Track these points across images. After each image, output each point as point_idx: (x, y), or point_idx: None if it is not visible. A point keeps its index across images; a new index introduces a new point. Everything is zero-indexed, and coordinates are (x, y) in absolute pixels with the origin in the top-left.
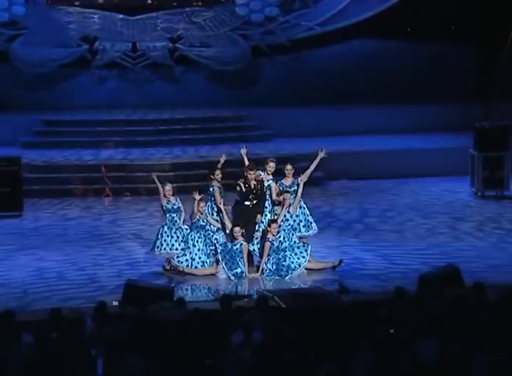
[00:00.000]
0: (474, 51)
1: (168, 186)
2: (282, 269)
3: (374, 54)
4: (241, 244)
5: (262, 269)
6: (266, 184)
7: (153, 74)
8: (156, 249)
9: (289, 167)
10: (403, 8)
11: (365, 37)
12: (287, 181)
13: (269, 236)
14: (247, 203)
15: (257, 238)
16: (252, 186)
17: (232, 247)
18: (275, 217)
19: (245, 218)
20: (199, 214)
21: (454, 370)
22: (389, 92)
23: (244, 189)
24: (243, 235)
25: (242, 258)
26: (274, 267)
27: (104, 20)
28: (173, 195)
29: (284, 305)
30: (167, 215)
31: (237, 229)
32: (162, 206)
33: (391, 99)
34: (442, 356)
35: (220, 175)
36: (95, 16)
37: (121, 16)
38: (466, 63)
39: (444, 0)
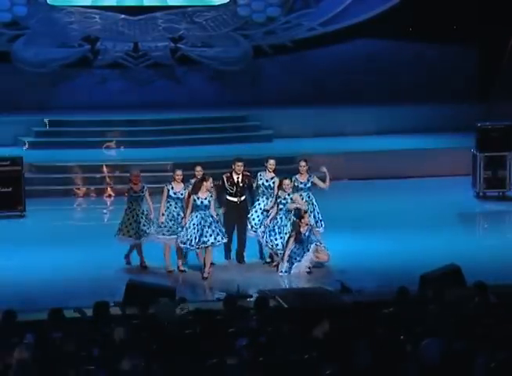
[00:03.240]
0: (475, 51)
1: (136, 172)
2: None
3: (376, 54)
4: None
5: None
6: (271, 182)
7: (154, 74)
8: (117, 232)
9: (302, 163)
10: (405, 8)
11: (366, 37)
12: (302, 177)
13: (301, 229)
14: (234, 199)
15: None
16: (236, 181)
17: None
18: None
19: (236, 215)
20: (206, 192)
21: (456, 369)
22: (390, 93)
23: (228, 183)
24: None
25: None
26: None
27: (106, 20)
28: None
29: (286, 305)
30: (128, 202)
31: None
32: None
33: (393, 100)
34: (444, 356)
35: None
36: (97, 16)
37: (123, 16)
38: (468, 63)
39: (445, 0)
